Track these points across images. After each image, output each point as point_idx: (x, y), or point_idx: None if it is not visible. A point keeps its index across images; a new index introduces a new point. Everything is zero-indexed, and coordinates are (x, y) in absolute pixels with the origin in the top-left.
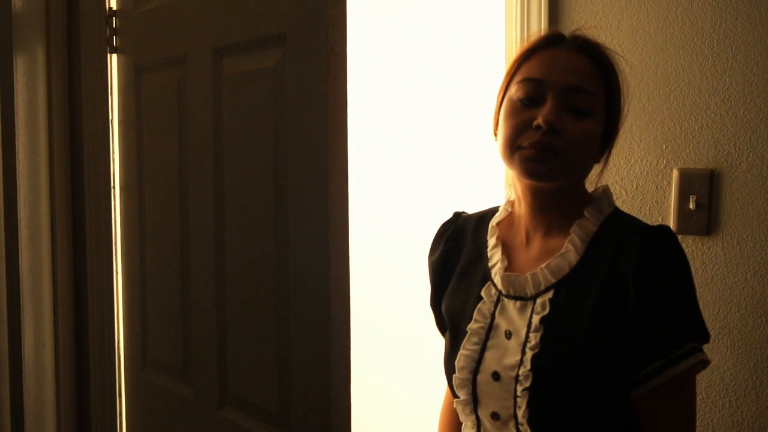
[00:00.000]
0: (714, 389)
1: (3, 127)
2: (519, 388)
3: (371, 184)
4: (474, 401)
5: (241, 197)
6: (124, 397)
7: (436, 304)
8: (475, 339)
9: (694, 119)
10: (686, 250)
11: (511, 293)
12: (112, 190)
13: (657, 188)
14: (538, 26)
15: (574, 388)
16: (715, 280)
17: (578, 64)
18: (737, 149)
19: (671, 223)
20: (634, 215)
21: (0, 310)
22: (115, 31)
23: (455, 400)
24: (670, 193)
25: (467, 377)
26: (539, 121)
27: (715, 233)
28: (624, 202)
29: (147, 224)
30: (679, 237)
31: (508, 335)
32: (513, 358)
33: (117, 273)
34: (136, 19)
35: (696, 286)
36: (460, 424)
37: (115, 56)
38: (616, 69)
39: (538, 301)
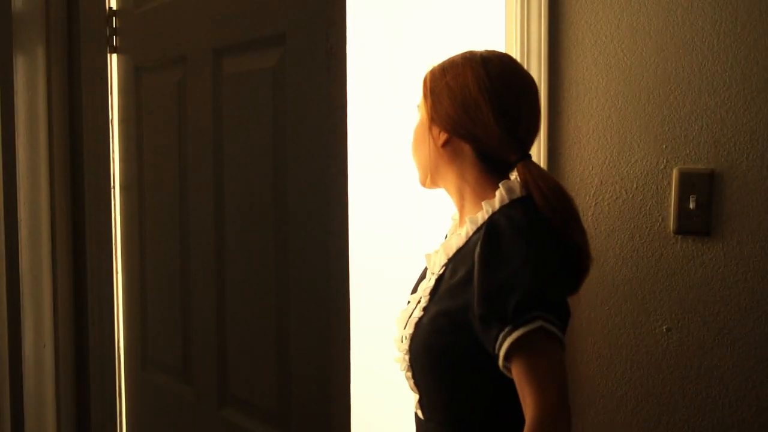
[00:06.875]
0: (714, 389)
1: (3, 127)
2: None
3: (371, 184)
4: None
5: (240, 197)
6: (124, 397)
7: None
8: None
9: (694, 119)
10: (686, 250)
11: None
12: (112, 190)
13: (657, 188)
14: (538, 26)
15: (430, 363)
16: (715, 280)
17: None
18: (737, 149)
19: (671, 223)
20: (634, 215)
21: (0, 310)
22: (115, 31)
23: None
24: (670, 193)
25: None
26: None
27: (715, 233)
28: (624, 202)
29: (147, 224)
30: (679, 237)
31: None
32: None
33: (117, 273)
34: (136, 19)
35: (696, 286)
36: None
37: (115, 56)
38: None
39: (434, 276)
